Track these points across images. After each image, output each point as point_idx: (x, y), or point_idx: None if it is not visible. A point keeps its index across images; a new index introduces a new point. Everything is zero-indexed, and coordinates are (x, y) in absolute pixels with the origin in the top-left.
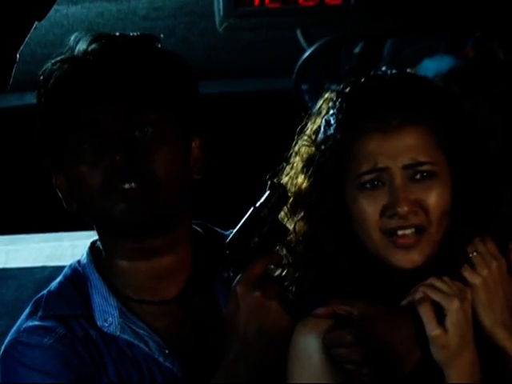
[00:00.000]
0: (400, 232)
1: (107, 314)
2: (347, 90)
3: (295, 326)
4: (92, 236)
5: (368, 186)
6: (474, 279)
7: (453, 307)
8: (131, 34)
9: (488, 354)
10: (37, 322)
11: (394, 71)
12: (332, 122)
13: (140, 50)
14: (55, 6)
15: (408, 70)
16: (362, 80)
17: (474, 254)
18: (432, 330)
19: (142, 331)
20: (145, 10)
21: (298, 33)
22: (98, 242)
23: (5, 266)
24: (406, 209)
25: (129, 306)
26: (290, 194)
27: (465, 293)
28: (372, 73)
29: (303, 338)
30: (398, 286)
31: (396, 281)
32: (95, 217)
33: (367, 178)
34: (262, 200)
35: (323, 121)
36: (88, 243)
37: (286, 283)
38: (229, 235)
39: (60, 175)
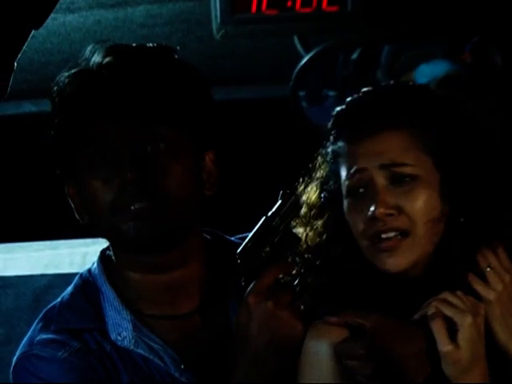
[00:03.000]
0: (383, 235)
1: (121, 328)
2: None
3: (307, 333)
4: (89, 244)
5: (354, 193)
6: (489, 295)
7: (465, 323)
8: (148, 45)
9: (501, 367)
10: (50, 335)
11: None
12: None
13: (155, 64)
14: (52, 15)
15: (405, 76)
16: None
17: (488, 269)
18: (444, 345)
19: (156, 346)
20: (142, 18)
21: (296, 39)
22: (109, 251)
23: (3, 275)
24: (381, 210)
25: (142, 320)
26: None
27: (478, 308)
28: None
29: (315, 342)
30: (406, 296)
31: (401, 290)
32: (105, 233)
33: (351, 183)
34: (273, 209)
35: None
36: (85, 251)
37: (297, 292)
38: (236, 242)
39: (72, 185)
